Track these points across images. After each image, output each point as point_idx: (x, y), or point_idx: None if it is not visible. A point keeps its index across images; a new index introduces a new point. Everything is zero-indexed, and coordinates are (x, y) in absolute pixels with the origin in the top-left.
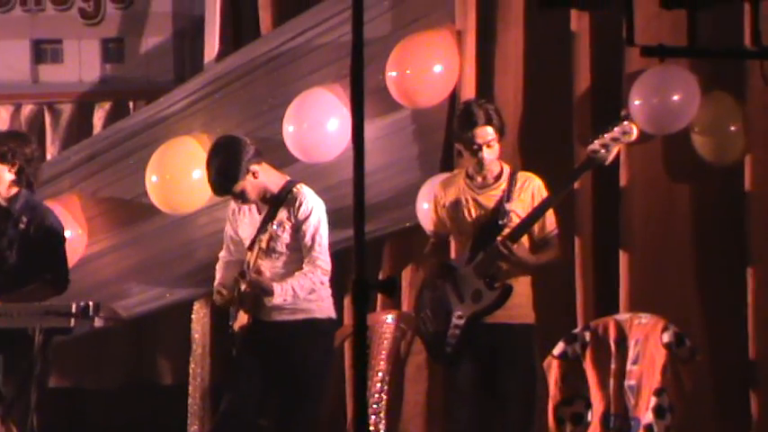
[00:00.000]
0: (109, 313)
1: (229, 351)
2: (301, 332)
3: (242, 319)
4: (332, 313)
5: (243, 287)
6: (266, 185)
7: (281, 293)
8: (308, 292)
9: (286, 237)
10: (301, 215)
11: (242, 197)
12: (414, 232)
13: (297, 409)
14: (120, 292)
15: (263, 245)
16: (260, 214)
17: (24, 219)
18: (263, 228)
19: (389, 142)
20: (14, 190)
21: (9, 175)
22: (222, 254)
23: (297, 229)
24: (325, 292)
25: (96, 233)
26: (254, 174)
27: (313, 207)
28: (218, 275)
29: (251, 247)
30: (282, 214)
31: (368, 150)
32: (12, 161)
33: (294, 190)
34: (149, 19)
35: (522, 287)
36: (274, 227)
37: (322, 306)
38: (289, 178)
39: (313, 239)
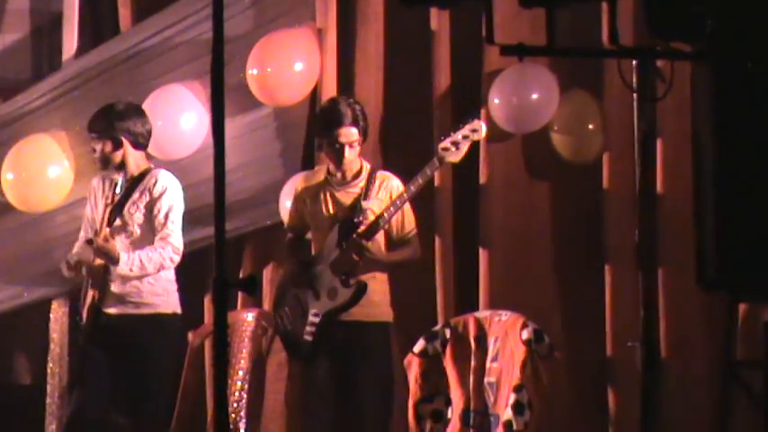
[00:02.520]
0: None
1: (78, 344)
2: (146, 326)
3: (84, 310)
4: (177, 308)
5: (91, 257)
6: (137, 161)
7: (128, 262)
8: (156, 267)
9: (139, 216)
10: (156, 193)
11: (114, 151)
12: (274, 230)
13: (143, 404)
14: None
15: (116, 221)
16: (119, 192)
17: None
18: (118, 204)
19: (250, 140)
20: None
21: None
22: (81, 234)
23: (150, 208)
24: (171, 287)
25: None
26: (131, 139)
27: (168, 187)
28: (75, 254)
29: (101, 220)
30: (137, 192)
31: (228, 148)
32: None
33: (152, 171)
34: (6, 15)
35: (379, 285)
36: (128, 204)
37: (167, 300)
38: (152, 165)
39: (166, 217)
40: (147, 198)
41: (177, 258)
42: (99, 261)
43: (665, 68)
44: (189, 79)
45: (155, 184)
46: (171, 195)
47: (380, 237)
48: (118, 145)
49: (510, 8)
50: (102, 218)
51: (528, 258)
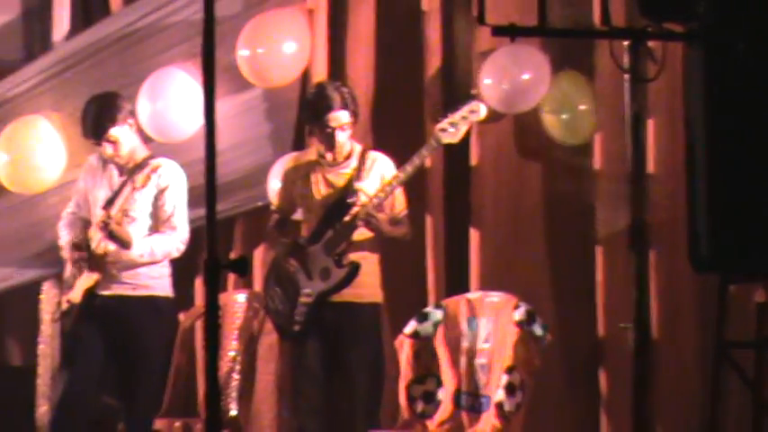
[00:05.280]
0: None
1: (65, 326)
2: (140, 309)
3: (77, 292)
4: (170, 292)
5: (96, 243)
6: (136, 147)
7: (140, 247)
8: (163, 255)
9: (145, 203)
10: (164, 183)
11: (113, 147)
12: (266, 211)
13: (135, 386)
14: None
15: (120, 206)
16: (120, 175)
17: None
18: (121, 190)
19: (241, 121)
20: None
21: None
22: (69, 209)
23: (157, 197)
24: (166, 271)
25: None
26: (130, 125)
27: (176, 178)
28: (64, 231)
29: (106, 207)
30: (143, 180)
31: (219, 129)
32: None
33: (159, 160)
34: None
35: (370, 266)
36: (134, 191)
37: (162, 284)
38: (151, 153)
39: (174, 207)
40: (153, 187)
41: (183, 248)
42: (102, 244)
43: (656, 49)
44: (180, 60)
45: (161, 175)
46: (178, 185)
47: (387, 204)
48: (129, 128)
49: None
50: (112, 201)
51: (519, 239)
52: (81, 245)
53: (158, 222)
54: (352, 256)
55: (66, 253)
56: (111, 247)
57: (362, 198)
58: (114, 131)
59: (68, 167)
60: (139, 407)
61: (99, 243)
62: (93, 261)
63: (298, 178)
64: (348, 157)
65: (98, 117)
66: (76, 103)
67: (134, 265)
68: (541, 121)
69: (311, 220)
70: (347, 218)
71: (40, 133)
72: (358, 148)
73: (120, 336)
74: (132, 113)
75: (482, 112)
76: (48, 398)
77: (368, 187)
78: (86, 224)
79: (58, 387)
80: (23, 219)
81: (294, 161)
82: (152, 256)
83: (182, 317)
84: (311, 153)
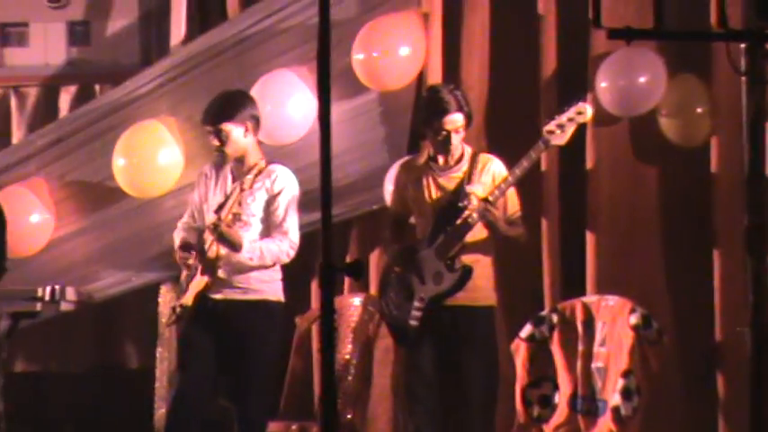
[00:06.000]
0: (79, 296)
1: (180, 330)
2: (251, 312)
3: (189, 295)
4: (282, 297)
5: (209, 244)
6: (249, 150)
7: (250, 250)
8: (273, 259)
9: (256, 207)
10: (277, 188)
11: (221, 140)
12: (381, 215)
13: (248, 390)
14: (88, 275)
15: (232, 209)
16: (233, 182)
17: None
18: (233, 194)
19: (356, 125)
20: None
21: None
22: (184, 219)
23: (269, 202)
24: (277, 275)
25: (63, 217)
26: (247, 128)
27: (289, 183)
28: (178, 238)
29: (218, 211)
30: (256, 184)
31: (334, 133)
32: None
33: (272, 165)
34: (115, 2)
35: (483, 269)
36: (245, 194)
37: (274, 288)
38: (265, 158)
39: (286, 212)
40: (266, 192)
41: (293, 254)
42: (214, 247)
43: None
44: (295, 64)
45: (275, 180)
46: (290, 192)
47: (500, 206)
48: (245, 131)
49: None
50: (222, 205)
51: (635, 243)
52: (190, 247)
53: (270, 227)
54: (466, 260)
55: (177, 256)
56: (223, 251)
57: (474, 201)
58: (228, 126)
59: (185, 171)
60: (251, 409)
61: (211, 246)
62: (205, 264)
63: (410, 182)
64: (459, 160)
65: (219, 107)
66: (193, 108)
67: (244, 269)
68: (658, 124)
69: (423, 224)
70: (458, 221)
71: (157, 137)
72: (469, 151)
73: (230, 339)
74: (254, 119)
75: (588, 113)
76: (165, 400)
77: (479, 190)
78: (201, 233)
79: (173, 390)
80: (141, 222)
81: (406, 165)
82: (261, 260)
83: (298, 320)
84: (423, 156)
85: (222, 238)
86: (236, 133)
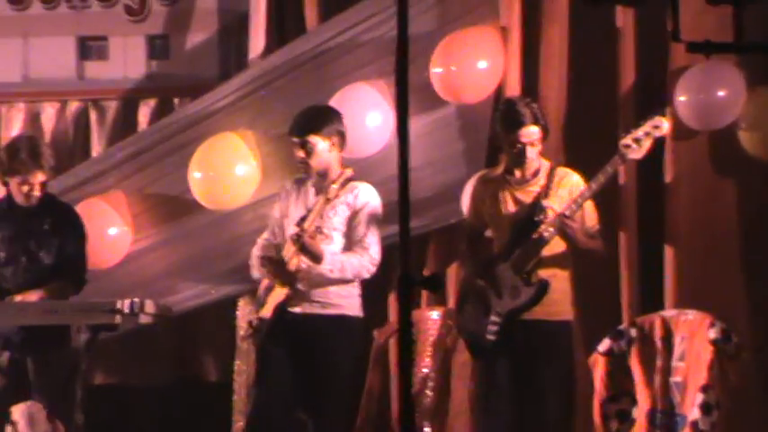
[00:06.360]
0: (158, 309)
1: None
2: (330, 327)
3: (268, 308)
4: (360, 312)
5: (290, 256)
6: (331, 165)
7: (331, 262)
8: (353, 274)
9: (338, 221)
10: (359, 204)
11: (306, 152)
12: (459, 229)
13: (325, 403)
14: (166, 288)
15: (314, 222)
16: (316, 195)
17: (48, 219)
18: (315, 205)
19: (434, 138)
20: (41, 192)
21: (41, 177)
22: (264, 236)
23: (351, 218)
24: (356, 291)
25: (142, 230)
26: (333, 142)
27: (371, 199)
28: (257, 253)
29: (299, 223)
30: (339, 199)
31: (413, 146)
32: (47, 167)
33: (355, 181)
34: (194, 15)
35: (560, 283)
36: (328, 207)
37: (352, 303)
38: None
39: (367, 228)
40: (347, 207)
41: (373, 270)
42: (295, 260)
43: None
44: (373, 78)
45: (357, 195)
46: (372, 208)
47: (578, 219)
48: (331, 145)
49: (697, 4)
50: (305, 218)
51: (714, 257)
52: (272, 259)
53: (351, 243)
54: (543, 274)
55: (255, 271)
56: (303, 264)
57: (550, 216)
58: (314, 138)
59: (262, 185)
60: (328, 423)
61: (291, 259)
62: (285, 277)
63: (486, 196)
64: (536, 173)
65: (307, 119)
66: (271, 121)
67: (324, 283)
68: (737, 137)
69: (500, 238)
70: (534, 236)
71: (234, 150)
72: (546, 164)
73: (308, 353)
74: (341, 135)
75: (665, 127)
76: (244, 414)
77: (556, 204)
78: (280, 249)
79: (251, 403)
80: (218, 236)
81: (483, 178)
82: (342, 273)
83: (375, 334)
84: (499, 170)
85: (304, 249)
86: (322, 146)
